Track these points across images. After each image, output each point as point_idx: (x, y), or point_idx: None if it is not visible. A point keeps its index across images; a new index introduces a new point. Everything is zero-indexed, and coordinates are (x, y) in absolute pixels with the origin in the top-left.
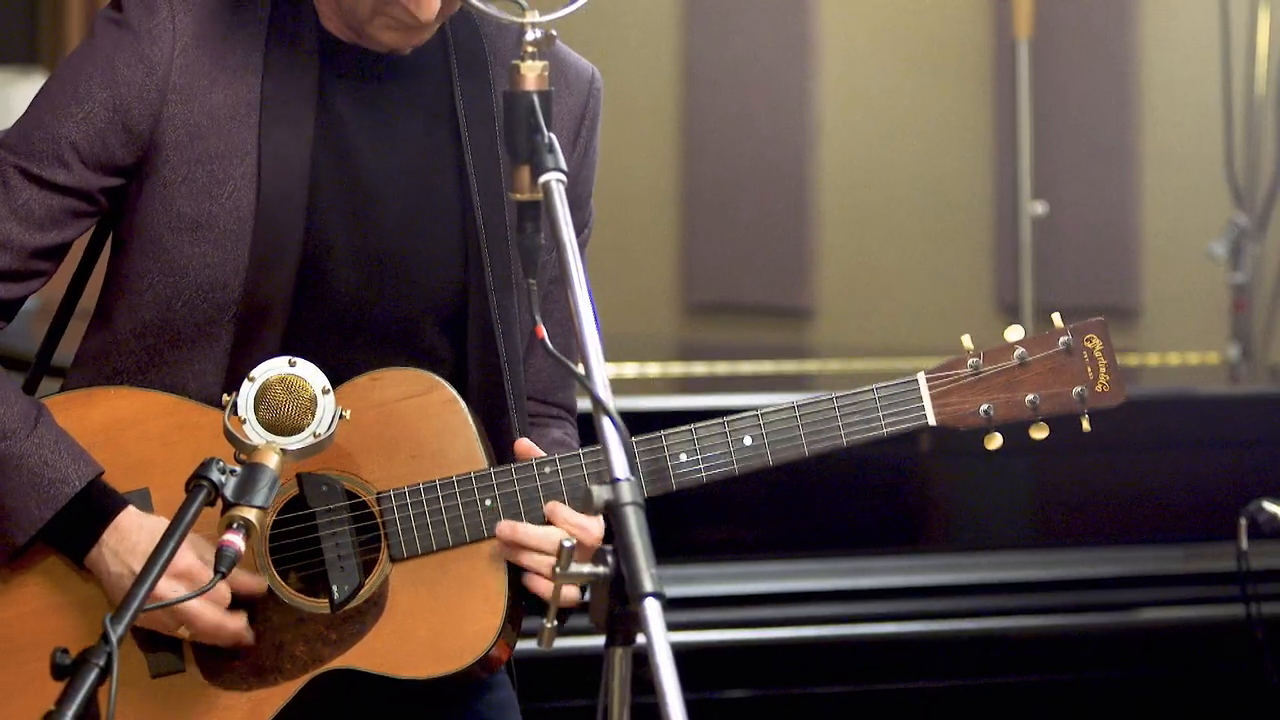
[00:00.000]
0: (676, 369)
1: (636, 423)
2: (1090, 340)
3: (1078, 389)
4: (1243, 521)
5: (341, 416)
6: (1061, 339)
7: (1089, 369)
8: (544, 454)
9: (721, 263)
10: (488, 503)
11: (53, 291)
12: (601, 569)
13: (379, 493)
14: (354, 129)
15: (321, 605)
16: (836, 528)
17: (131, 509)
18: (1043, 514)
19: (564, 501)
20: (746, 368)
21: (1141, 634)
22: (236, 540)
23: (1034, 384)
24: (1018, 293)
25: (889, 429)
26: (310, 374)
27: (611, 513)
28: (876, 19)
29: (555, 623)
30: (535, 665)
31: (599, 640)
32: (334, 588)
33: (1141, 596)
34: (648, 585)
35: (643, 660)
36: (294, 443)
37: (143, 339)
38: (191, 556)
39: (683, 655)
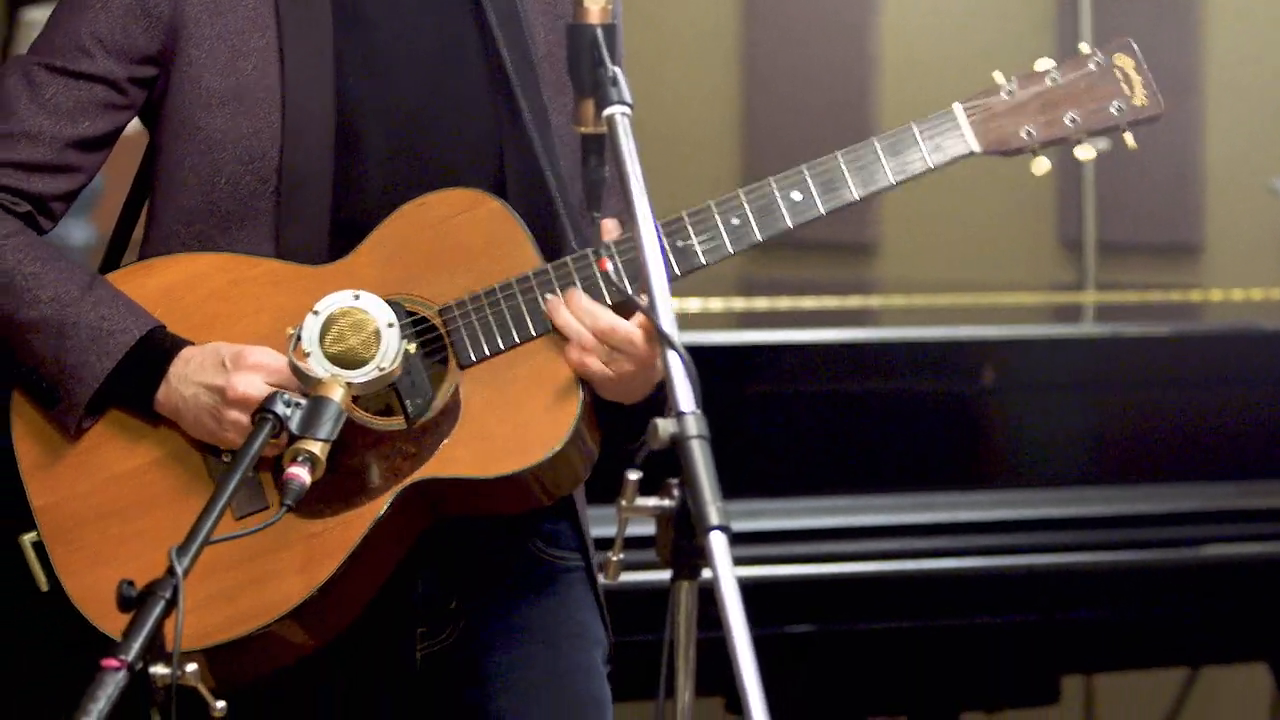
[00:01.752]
0: (740, 304)
1: (702, 357)
2: (1120, 59)
3: (1115, 103)
4: None
5: (406, 351)
6: (1092, 60)
7: (1124, 85)
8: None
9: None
10: (548, 297)
11: (108, 227)
12: (667, 502)
13: (440, 307)
14: None
15: (397, 422)
16: (898, 464)
17: (192, 345)
18: (1105, 450)
19: (627, 285)
20: (809, 303)
21: (1205, 570)
22: (302, 474)
23: (1071, 103)
24: (1080, 228)
25: (934, 161)
26: (375, 307)
27: (677, 446)
28: None
29: (621, 555)
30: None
31: (665, 574)
32: (406, 402)
33: (1204, 533)
34: (714, 519)
35: (708, 594)
36: (359, 376)
37: (191, 226)
38: (266, 352)
39: (748, 590)
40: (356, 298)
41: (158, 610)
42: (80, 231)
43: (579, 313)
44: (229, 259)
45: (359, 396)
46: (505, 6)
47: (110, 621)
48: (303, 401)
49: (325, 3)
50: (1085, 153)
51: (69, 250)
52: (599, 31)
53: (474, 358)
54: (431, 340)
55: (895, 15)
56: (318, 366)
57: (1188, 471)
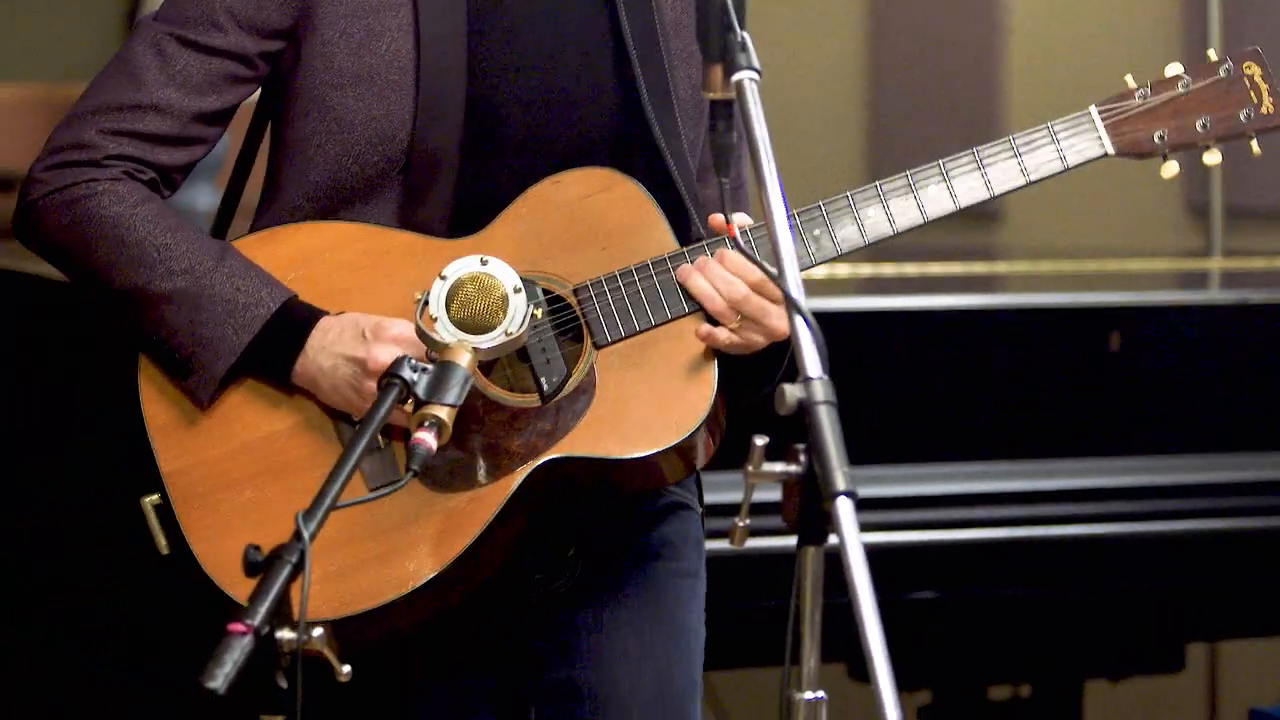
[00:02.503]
0: (866, 270)
1: (828, 323)
2: (1249, 67)
3: (1244, 110)
4: None
5: (533, 315)
6: (1222, 66)
7: (1252, 93)
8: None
9: (911, 163)
10: (681, 266)
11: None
12: (794, 468)
13: (575, 286)
14: None
15: (532, 399)
16: (1024, 430)
17: (329, 315)
18: (1233, 417)
19: (755, 251)
20: (936, 269)
21: None
22: (428, 438)
23: (1201, 109)
24: (1208, 194)
25: (1071, 160)
26: (502, 272)
27: (805, 411)
28: None
29: (747, 521)
30: (727, 564)
31: (791, 540)
32: (541, 379)
33: None
34: (840, 484)
35: (835, 560)
36: (486, 341)
37: (316, 201)
38: (407, 325)
39: (874, 556)
40: (484, 263)
41: (284, 575)
42: (205, 198)
43: (715, 279)
44: (360, 229)
45: (494, 370)
46: None
47: (241, 589)
48: (429, 367)
49: None
50: (1213, 158)
51: (195, 216)
52: None
53: (609, 338)
54: (566, 319)
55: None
56: (444, 331)
57: None
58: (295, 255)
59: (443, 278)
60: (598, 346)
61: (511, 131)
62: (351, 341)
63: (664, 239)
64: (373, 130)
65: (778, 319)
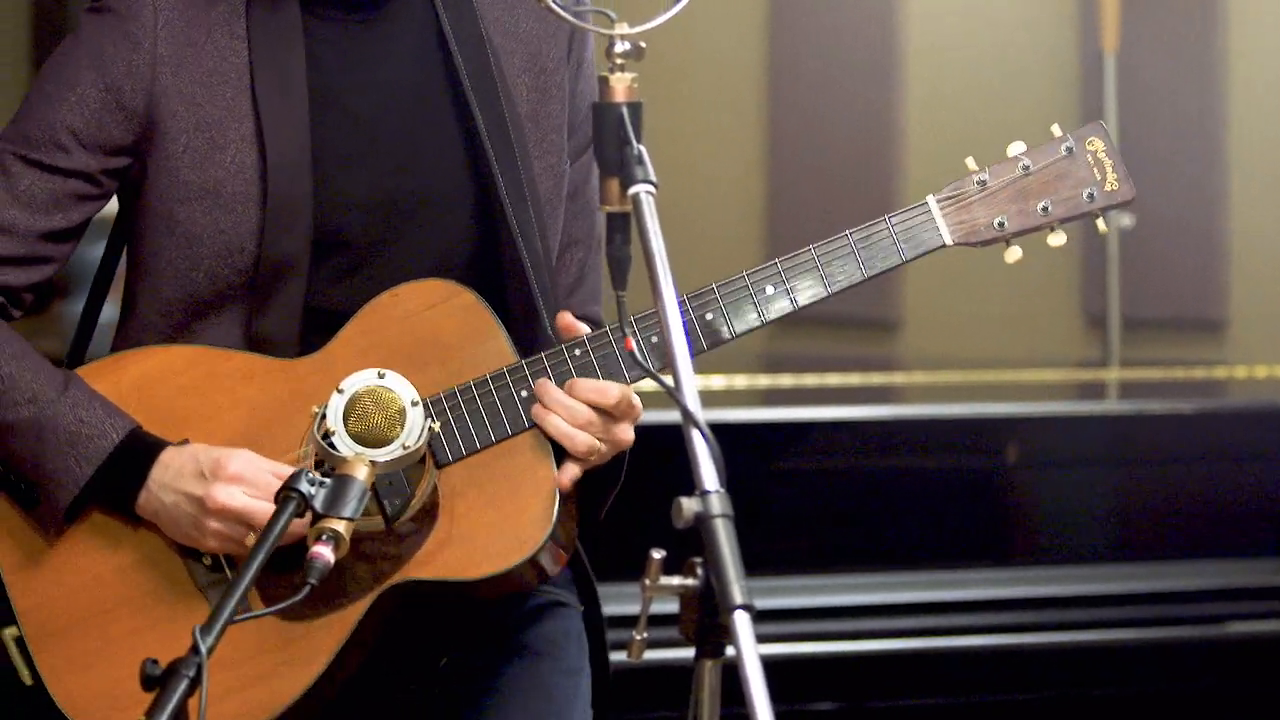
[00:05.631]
0: (764, 381)
1: (726, 435)
2: (1092, 143)
3: (1087, 190)
4: None
5: (430, 429)
6: (1063, 145)
7: (1094, 170)
8: (587, 329)
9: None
10: (523, 394)
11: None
12: (691, 581)
13: None
14: (345, 72)
15: (376, 523)
16: (922, 541)
17: (171, 447)
18: (1129, 527)
19: (651, 364)
20: (834, 379)
21: (1230, 647)
22: (326, 552)
23: (1043, 191)
24: (1105, 303)
25: (909, 255)
26: (399, 385)
27: (701, 525)
28: (961, 32)
29: (645, 634)
30: (625, 677)
31: (688, 652)
32: (384, 503)
33: (1230, 610)
34: (738, 597)
35: (732, 672)
36: (383, 454)
37: (168, 316)
38: (245, 462)
39: (772, 667)
40: (381, 376)
41: (181, 689)
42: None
43: (585, 392)
44: (201, 352)
45: None
46: (477, 62)
47: None
48: (326, 480)
49: (303, 91)
50: (1057, 239)
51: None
52: (625, 110)
53: (450, 457)
54: None
55: (919, 92)
56: (342, 445)
57: (1212, 548)
58: (136, 381)
59: (340, 391)
60: (439, 466)
61: (359, 231)
62: (191, 479)
63: (502, 350)
64: (220, 243)
65: (623, 431)
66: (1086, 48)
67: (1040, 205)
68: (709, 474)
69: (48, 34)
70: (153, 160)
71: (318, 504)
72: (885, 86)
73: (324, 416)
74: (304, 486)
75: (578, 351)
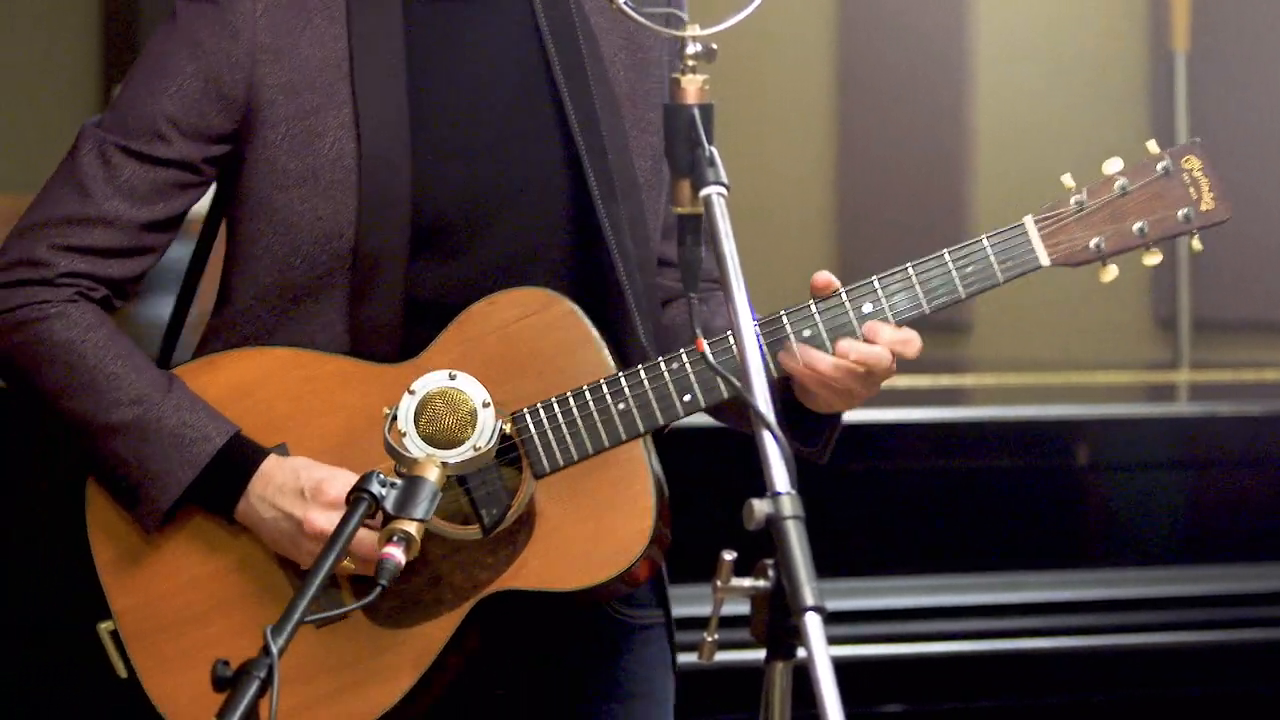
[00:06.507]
0: None
1: None
2: (1188, 162)
3: (1183, 210)
4: None
5: (501, 429)
6: (1160, 164)
7: (1191, 190)
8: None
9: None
10: (621, 407)
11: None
12: (762, 582)
13: (513, 413)
14: (444, 59)
15: (473, 532)
16: (992, 543)
17: (274, 456)
18: (1198, 529)
19: (698, 392)
20: (903, 381)
21: None
22: (397, 553)
23: (1139, 212)
24: (1175, 306)
25: (1005, 275)
26: (471, 387)
27: (772, 526)
28: (1032, 32)
29: (715, 636)
30: (695, 679)
31: (759, 654)
32: (482, 513)
33: None
34: (809, 599)
35: (803, 674)
36: (454, 456)
37: (265, 302)
38: (346, 486)
39: (843, 669)
40: (452, 377)
41: (252, 690)
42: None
43: (846, 350)
44: (297, 355)
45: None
46: (570, 55)
47: None
48: (398, 481)
49: (401, 79)
50: (1153, 259)
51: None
52: (696, 111)
53: (547, 468)
54: (504, 447)
55: (989, 93)
56: (413, 446)
57: None
58: (233, 384)
59: (411, 392)
60: (537, 476)
61: (456, 220)
62: (291, 497)
63: (600, 361)
64: (318, 230)
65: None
66: (1156, 47)
67: (1136, 226)
68: (780, 475)
69: (118, 29)
70: (251, 147)
71: (388, 505)
72: (955, 86)
73: (395, 417)
74: (375, 488)
75: (674, 365)
